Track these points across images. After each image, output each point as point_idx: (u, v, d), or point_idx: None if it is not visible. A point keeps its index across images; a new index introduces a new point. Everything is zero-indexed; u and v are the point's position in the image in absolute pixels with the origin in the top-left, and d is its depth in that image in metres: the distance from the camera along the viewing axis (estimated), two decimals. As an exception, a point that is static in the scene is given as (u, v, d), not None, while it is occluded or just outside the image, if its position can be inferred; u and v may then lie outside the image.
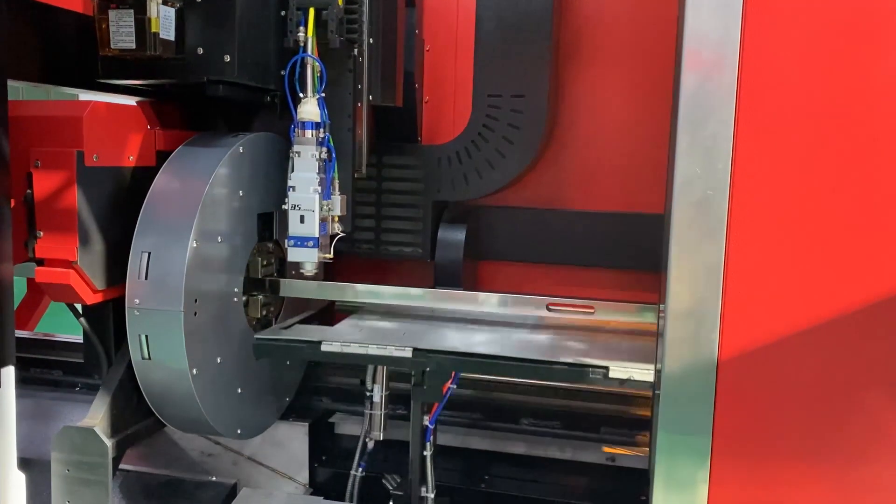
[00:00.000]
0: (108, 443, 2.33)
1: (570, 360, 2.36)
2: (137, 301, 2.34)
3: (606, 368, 2.28)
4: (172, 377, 2.38)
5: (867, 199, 1.79)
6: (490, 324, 2.87)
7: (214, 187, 2.43)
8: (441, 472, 2.82)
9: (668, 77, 3.17)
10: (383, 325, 2.83)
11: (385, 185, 3.34)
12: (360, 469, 2.94)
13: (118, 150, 2.40)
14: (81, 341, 3.79)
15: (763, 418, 1.88)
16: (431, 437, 2.66)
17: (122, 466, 2.60)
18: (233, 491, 2.64)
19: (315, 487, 3.12)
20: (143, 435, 2.55)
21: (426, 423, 2.64)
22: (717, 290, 1.83)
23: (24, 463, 2.69)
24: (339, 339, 2.50)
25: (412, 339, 2.59)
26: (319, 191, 2.56)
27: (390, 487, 2.89)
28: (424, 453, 2.67)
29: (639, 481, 2.90)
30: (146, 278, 2.33)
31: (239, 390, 2.66)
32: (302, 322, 2.89)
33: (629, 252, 3.24)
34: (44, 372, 3.53)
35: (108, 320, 2.52)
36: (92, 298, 2.36)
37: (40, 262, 2.30)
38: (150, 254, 2.34)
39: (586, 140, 3.36)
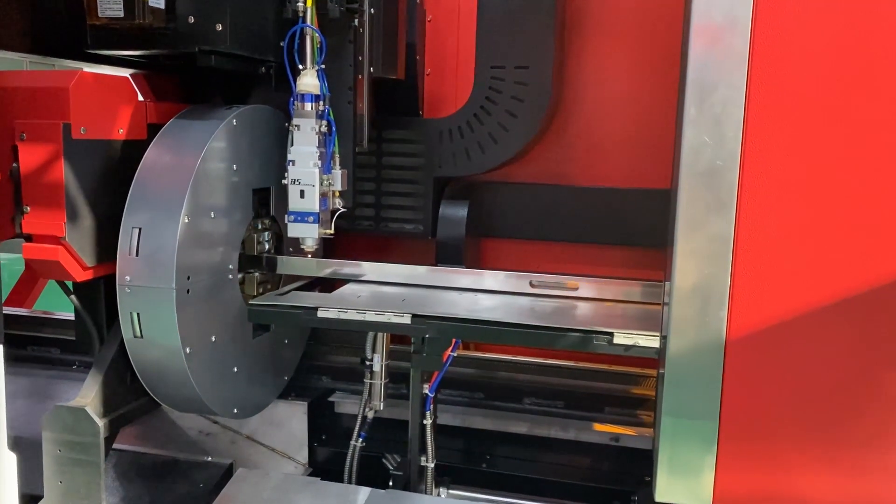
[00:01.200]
0: (100, 422, 2.29)
1: (573, 326, 2.30)
2: (128, 278, 2.28)
3: (611, 334, 2.22)
4: (165, 356, 2.32)
5: (890, 170, 1.70)
6: (493, 291, 2.80)
7: (207, 161, 2.36)
8: (442, 452, 2.78)
9: (676, 49, 3.10)
10: (384, 290, 2.76)
11: (385, 160, 3.27)
12: (360, 440, 2.90)
13: (107, 122, 2.33)
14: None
15: (773, 402, 1.79)
16: (431, 406, 2.61)
17: (116, 446, 2.56)
18: (229, 471, 2.60)
19: (314, 467, 3.07)
20: (137, 414, 2.51)
21: (426, 391, 2.59)
22: (725, 266, 1.74)
23: (20, 442, 2.66)
24: (337, 306, 2.43)
25: (412, 305, 2.52)
26: (319, 165, 2.50)
27: (390, 467, 2.85)
28: (424, 422, 2.62)
29: (643, 462, 2.84)
30: (137, 255, 2.27)
31: (235, 369, 2.61)
32: (300, 289, 2.82)
33: (636, 229, 3.16)
34: (40, 350, 3.49)
35: (99, 298, 2.47)
36: (82, 275, 2.30)
37: (28, 238, 2.24)
38: (140, 229, 2.28)
39: (592, 114, 3.27)
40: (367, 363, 2.80)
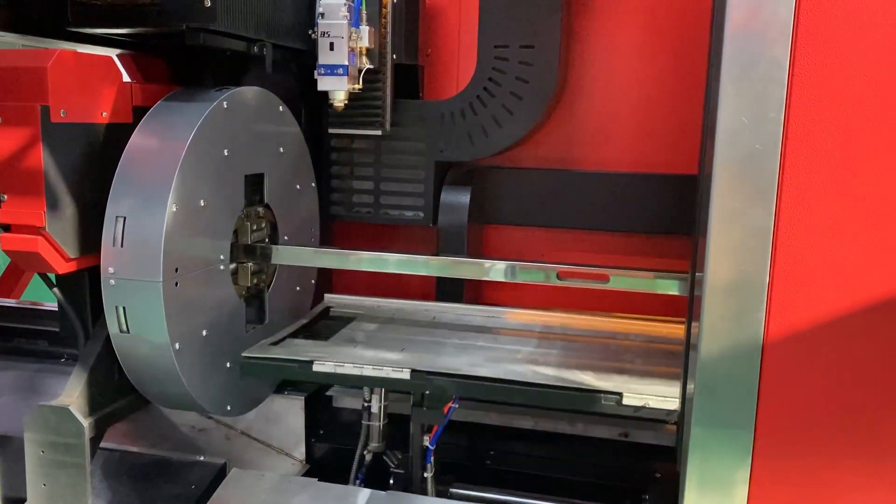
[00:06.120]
0: (85, 422, 2.17)
1: (579, 385, 2.20)
2: (112, 270, 2.16)
3: (619, 395, 2.13)
4: (153, 351, 2.20)
5: None
6: (494, 332, 2.70)
7: (196, 145, 2.23)
8: (444, 448, 2.66)
9: (687, 27, 2.97)
10: (381, 337, 2.65)
11: (384, 144, 3.15)
12: (359, 482, 2.75)
13: (89, 104, 2.19)
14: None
15: (815, 411, 1.65)
16: (432, 459, 2.50)
17: (103, 445, 2.45)
18: (222, 471, 2.49)
19: (312, 463, 2.97)
20: (125, 412, 2.39)
21: (426, 444, 2.48)
22: (764, 262, 1.59)
23: (4, 442, 2.55)
24: (333, 358, 2.33)
25: (411, 354, 2.43)
26: (348, 17, 2.56)
27: (391, 465, 2.74)
28: (425, 475, 2.50)
29: (653, 457, 2.74)
30: (122, 245, 2.15)
31: (228, 364, 2.49)
32: (294, 333, 2.69)
33: (644, 216, 3.08)
34: (28, 342, 3.37)
35: (84, 291, 2.34)
36: (64, 267, 2.18)
37: (6, 228, 2.11)
38: (125, 219, 2.15)
39: (599, 96, 3.17)
40: (365, 405, 2.67)
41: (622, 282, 2.40)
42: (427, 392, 2.34)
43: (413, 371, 2.28)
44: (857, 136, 1.56)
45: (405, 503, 2.24)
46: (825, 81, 1.53)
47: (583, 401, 2.18)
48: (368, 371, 2.28)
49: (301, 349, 2.47)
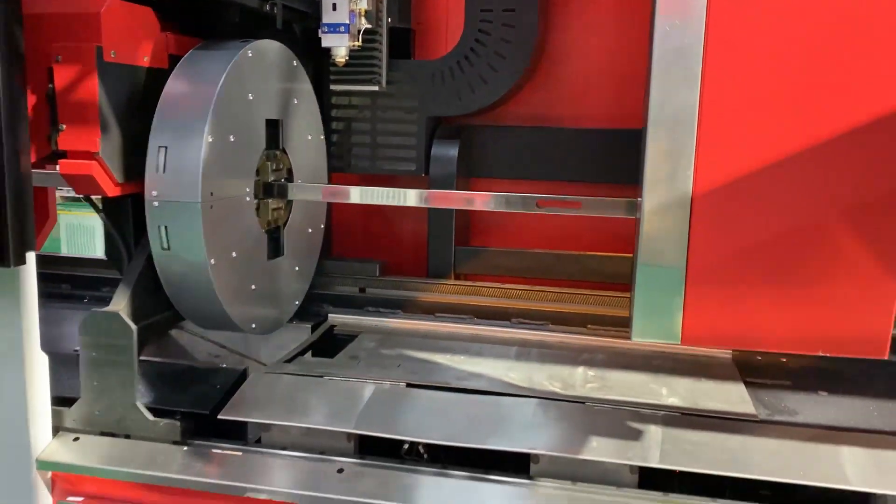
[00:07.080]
0: (134, 326, 2.46)
1: (550, 394, 2.58)
2: (156, 193, 2.45)
3: (583, 402, 2.51)
4: (191, 267, 2.49)
5: (845, 33, 2.02)
6: (478, 348, 3.05)
7: (227, 86, 2.52)
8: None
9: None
10: (380, 354, 3.01)
11: (379, 101, 3.46)
12: None
13: (133, 48, 2.48)
14: (87, 257, 3.92)
15: (732, 249, 2.14)
16: None
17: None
18: (243, 375, 2.80)
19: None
20: (162, 328, 2.69)
21: None
22: (692, 131, 2.08)
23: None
24: (339, 375, 2.71)
25: (407, 369, 2.80)
26: None
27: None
28: None
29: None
30: (164, 171, 2.44)
31: (253, 287, 2.79)
32: (303, 352, 3.03)
33: (620, 168, 3.33)
34: (51, 286, 3.62)
35: (127, 216, 2.63)
36: (113, 191, 2.46)
37: (63, 155, 2.39)
38: (167, 148, 2.44)
39: (578, 56, 3.48)
40: None
41: (594, 208, 2.74)
42: None
43: (408, 384, 2.64)
44: (765, 27, 2.04)
45: (407, 395, 2.57)
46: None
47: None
48: (370, 384, 2.64)
49: (311, 366, 2.83)
